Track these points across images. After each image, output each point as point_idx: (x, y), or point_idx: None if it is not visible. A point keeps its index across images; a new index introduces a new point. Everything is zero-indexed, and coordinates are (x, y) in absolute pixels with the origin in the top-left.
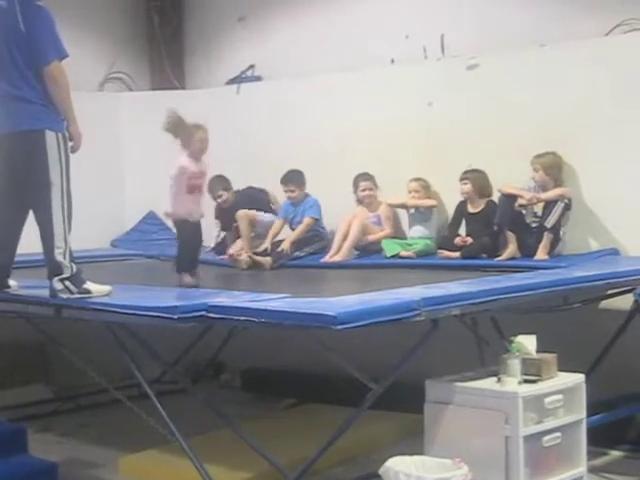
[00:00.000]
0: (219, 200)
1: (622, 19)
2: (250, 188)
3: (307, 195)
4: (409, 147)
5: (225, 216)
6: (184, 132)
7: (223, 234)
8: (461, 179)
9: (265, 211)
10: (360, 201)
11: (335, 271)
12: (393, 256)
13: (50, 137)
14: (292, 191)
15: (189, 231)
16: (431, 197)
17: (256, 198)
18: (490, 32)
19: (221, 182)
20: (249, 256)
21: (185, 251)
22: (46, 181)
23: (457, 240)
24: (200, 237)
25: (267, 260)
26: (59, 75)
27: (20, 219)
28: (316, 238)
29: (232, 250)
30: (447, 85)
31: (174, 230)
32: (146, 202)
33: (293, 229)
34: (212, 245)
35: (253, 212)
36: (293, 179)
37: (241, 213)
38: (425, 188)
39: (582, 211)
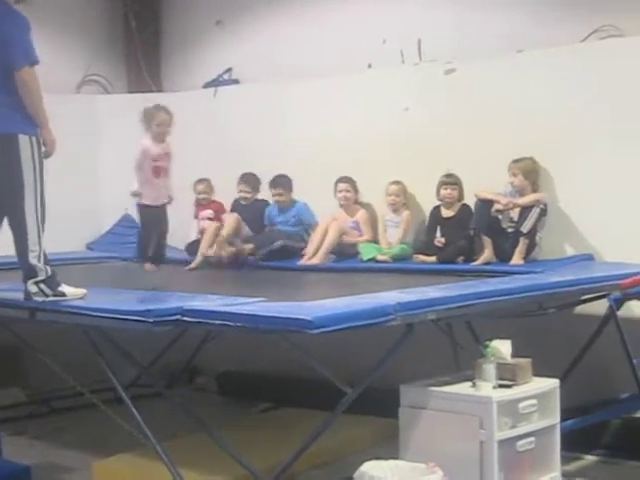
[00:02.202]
0: (242, 195)
1: (598, 25)
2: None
3: (295, 201)
4: (386, 151)
5: (239, 212)
6: (148, 116)
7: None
8: (446, 184)
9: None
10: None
11: (311, 274)
12: (369, 260)
13: (23, 141)
14: (280, 194)
15: (153, 216)
16: (407, 201)
17: (261, 216)
18: (467, 37)
19: (253, 180)
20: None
21: (148, 237)
22: (19, 185)
23: (436, 241)
24: (166, 223)
25: (247, 247)
26: (30, 80)
27: None
28: (297, 237)
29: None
30: (424, 90)
31: (137, 215)
32: (122, 205)
33: (279, 232)
34: (192, 238)
35: (243, 223)
36: (282, 183)
37: (234, 216)
38: (404, 192)
39: (558, 216)
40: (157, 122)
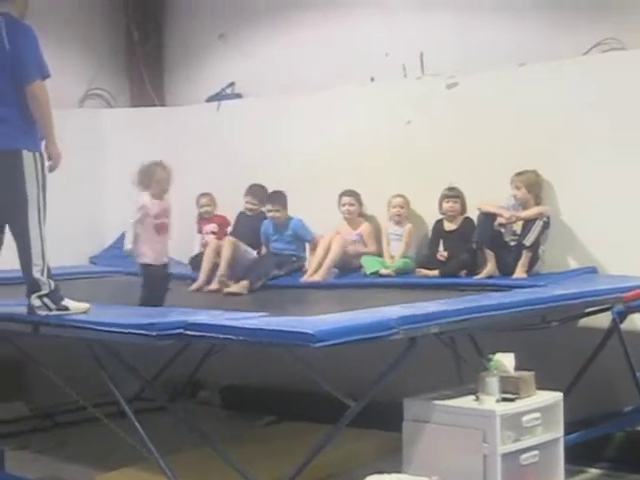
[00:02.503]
0: (248, 206)
1: (600, 39)
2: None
3: (290, 217)
4: (388, 165)
5: (243, 224)
6: (145, 174)
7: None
8: (449, 197)
9: (255, 249)
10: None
11: (314, 291)
12: (373, 273)
13: (27, 157)
14: (277, 211)
15: (156, 275)
16: (410, 215)
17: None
18: (469, 51)
19: (260, 193)
20: (226, 290)
21: (150, 296)
22: (23, 200)
23: (438, 255)
24: (167, 282)
25: (244, 285)
26: (41, 94)
27: None
28: (294, 258)
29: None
30: (426, 103)
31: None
32: (125, 219)
33: (275, 250)
34: (195, 251)
35: (240, 244)
36: (278, 199)
37: (229, 240)
38: (407, 204)
39: (561, 230)
40: (157, 179)
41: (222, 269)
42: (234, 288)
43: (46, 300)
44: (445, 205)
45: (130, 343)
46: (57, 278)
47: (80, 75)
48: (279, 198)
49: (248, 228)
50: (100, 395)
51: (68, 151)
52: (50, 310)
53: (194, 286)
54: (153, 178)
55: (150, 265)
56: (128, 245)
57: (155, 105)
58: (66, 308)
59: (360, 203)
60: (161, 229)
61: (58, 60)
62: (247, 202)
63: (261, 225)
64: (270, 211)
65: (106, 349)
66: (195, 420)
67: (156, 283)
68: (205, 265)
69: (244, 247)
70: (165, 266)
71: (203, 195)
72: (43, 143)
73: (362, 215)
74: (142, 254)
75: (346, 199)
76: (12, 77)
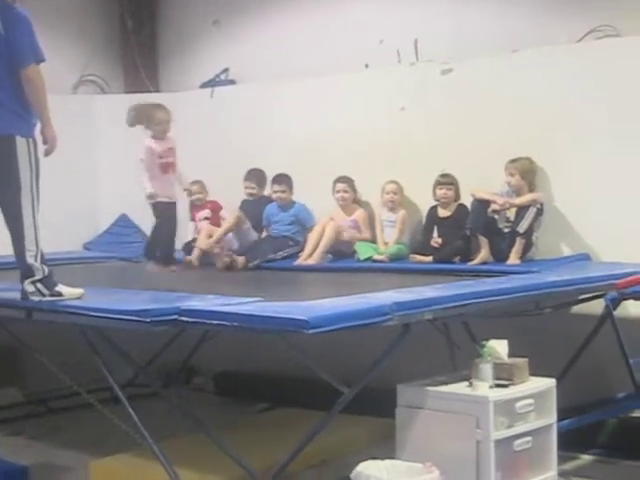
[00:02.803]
0: (247, 191)
1: (594, 26)
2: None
3: (294, 201)
4: (382, 151)
5: (246, 210)
6: (145, 116)
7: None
8: (442, 184)
9: (257, 230)
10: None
11: (308, 274)
12: (366, 259)
13: (20, 143)
14: (283, 191)
15: (168, 213)
16: (403, 201)
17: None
18: (464, 37)
19: (257, 177)
20: (229, 256)
21: (159, 235)
22: (16, 186)
23: (432, 242)
24: (175, 221)
25: (240, 259)
26: (36, 78)
27: None
28: (291, 242)
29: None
30: (421, 90)
31: (152, 212)
32: (119, 205)
33: (275, 232)
34: (189, 238)
35: (246, 219)
36: (285, 181)
37: (236, 212)
38: (400, 191)
39: (554, 216)
40: (156, 122)
41: (218, 236)
42: (232, 258)
43: (39, 286)
44: (438, 192)
45: (124, 329)
46: (51, 264)
47: (74, 61)
48: (285, 179)
49: (250, 213)
50: (94, 381)
51: (62, 137)
52: (43, 296)
53: (192, 257)
54: (152, 120)
55: (159, 202)
56: (149, 189)
57: (149, 91)
58: (60, 294)
59: (354, 190)
60: (167, 168)
61: (52, 46)
62: (246, 187)
63: (263, 209)
64: (276, 192)
65: (100, 335)
66: (189, 406)
67: (165, 220)
68: (201, 239)
69: (249, 225)
70: (174, 204)
71: (193, 183)
72: (38, 127)
73: (356, 202)
74: (155, 194)
75: (340, 185)
76: (7, 62)
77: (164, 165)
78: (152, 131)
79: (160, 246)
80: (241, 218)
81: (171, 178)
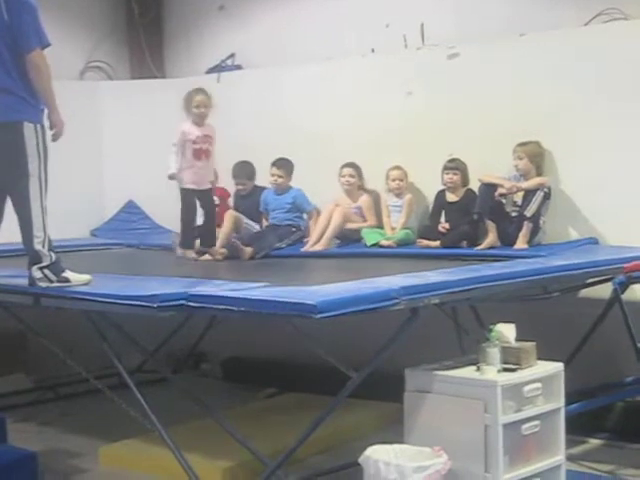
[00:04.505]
0: (239, 187)
1: (602, 9)
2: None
3: (290, 187)
4: (389, 136)
5: (239, 204)
6: (185, 99)
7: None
8: (448, 169)
9: (255, 220)
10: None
11: (315, 260)
12: (373, 245)
13: (28, 129)
14: (280, 176)
15: (196, 200)
16: (408, 186)
17: (258, 204)
18: (470, 21)
19: (245, 170)
20: (233, 242)
21: (190, 222)
22: (24, 172)
23: (440, 227)
24: (213, 206)
25: (247, 249)
26: (41, 63)
27: None
28: (293, 229)
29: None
30: (427, 74)
31: (181, 199)
32: (126, 191)
33: (275, 220)
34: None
35: (241, 217)
36: (284, 165)
37: (231, 213)
38: (405, 176)
39: (562, 200)
40: (195, 104)
41: (221, 243)
42: (239, 247)
43: (47, 272)
44: (445, 177)
45: (131, 315)
46: (58, 250)
47: (80, 47)
48: (284, 165)
49: (245, 206)
50: (102, 367)
51: (68, 123)
52: (51, 282)
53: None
54: (192, 103)
55: (192, 190)
56: (171, 170)
57: (155, 77)
58: (67, 280)
59: (360, 176)
60: (200, 154)
61: (58, 32)
62: (237, 184)
63: (257, 201)
64: (273, 175)
65: (108, 321)
66: (197, 392)
67: (186, 207)
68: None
69: (245, 220)
70: (208, 191)
71: None
72: (45, 113)
73: (362, 188)
74: (179, 179)
75: (346, 170)
76: (12, 47)
77: (197, 151)
78: (192, 115)
79: (196, 233)
80: (237, 217)
81: (204, 165)
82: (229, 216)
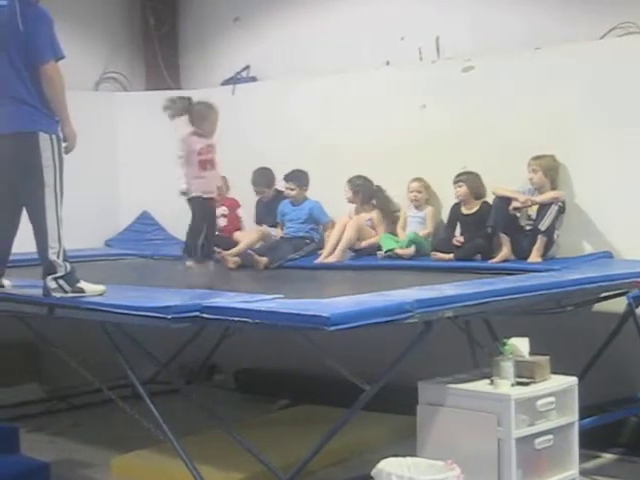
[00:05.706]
0: (260, 195)
1: (617, 22)
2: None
3: (306, 198)
4: (403, 149)
5: (261, 211)
6: (200, 115)
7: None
8: (455, 182)
9: (275, 226)
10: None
11: (329, 272)
12: (388, 251)
13: (44, 139)
14: (292, 189)
15: (203, 208)
16: (430, 198)
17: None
18: (485, 34)
19: (264, 177)
20: (248, 252)
21: (198, 231)
22: (40, 182)
23: (454, 240)
24: (214, 217)
25: (262, 260)
26: (55, 75)
27: (14, 220)
28: (308, 241)
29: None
30: (442, 87)
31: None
32: (140, 202)
33: (291, 231)
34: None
35: (270, 232)
36: (296, 178)
37: (260, 228)
38: (426, 188)
39: (576, 214)
40: (210, 122)
41: (239, 250)
42: (255, 257)
43: (62, 282)
44: (456, 190)
45: (145, 326)
46: (73, 260)
47: (96, 58)
48: (296, 177)
49: (265, 213)
50: (115, 378)
51: (83, 134)
52: (65, 292)
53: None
54: (208, 121)
55: (198, 197)
56: (183, 185)
57: (170, 89)
58: (81, 290)
59: (427, 189)
60: (205, 164)
61: (74, 43)
62: (255, 191)
63: (278, 205)
64: (287, 189)
65: (121, 331)
66: (210, 403)
67: (203, 218)
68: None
69: (274, 233)
70: (212, 200)
71: None
72: (59, 126)
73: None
74: (188, 191)
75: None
76: (27, 59)
77: (202, 162)
78: (202, 130)
79: (191, 242)
80: (265, 233)
81: (209, 175)
82: (257, 231)
